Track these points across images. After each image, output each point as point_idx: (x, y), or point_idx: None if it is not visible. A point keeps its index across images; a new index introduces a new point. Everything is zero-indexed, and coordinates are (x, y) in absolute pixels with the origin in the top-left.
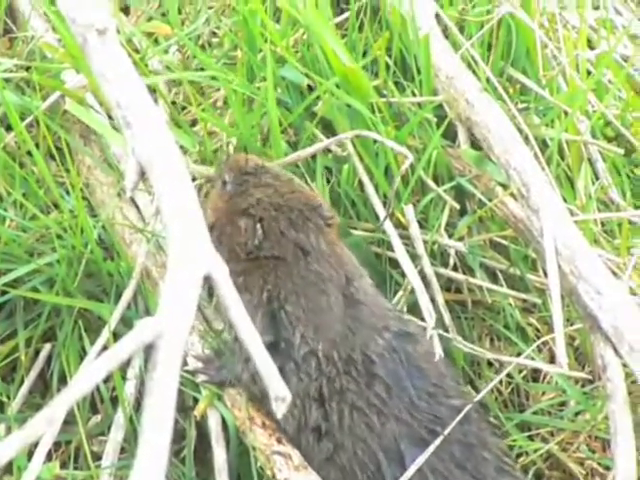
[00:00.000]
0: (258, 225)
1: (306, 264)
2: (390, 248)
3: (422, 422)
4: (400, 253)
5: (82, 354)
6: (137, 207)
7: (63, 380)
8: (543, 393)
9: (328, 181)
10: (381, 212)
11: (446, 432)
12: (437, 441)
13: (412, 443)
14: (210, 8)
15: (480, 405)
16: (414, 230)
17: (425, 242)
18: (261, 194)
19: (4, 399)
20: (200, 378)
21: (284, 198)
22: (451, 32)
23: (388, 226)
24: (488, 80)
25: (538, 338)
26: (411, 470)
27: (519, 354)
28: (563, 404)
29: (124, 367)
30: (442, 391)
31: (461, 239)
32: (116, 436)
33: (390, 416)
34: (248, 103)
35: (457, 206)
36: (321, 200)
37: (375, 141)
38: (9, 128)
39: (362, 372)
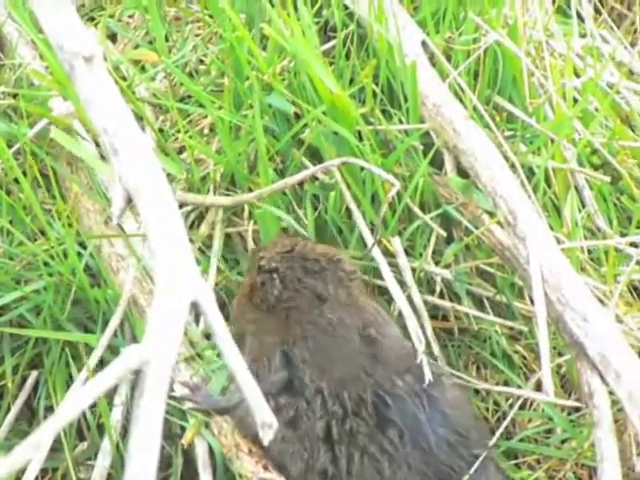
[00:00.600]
0: (275, 275)
1: (320, 311)
2: (377, 276)
3: (437, 473)
4: (390, 281)
5: (69, 382)
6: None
7: (50, 407)
8: (529, 420)
9: (315, 208)
10: (369, 239)
11: None
12: None
13: None
14: (197, 36)
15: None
16: (402, 261)
17: (412, 270)
18: (272, 253)
19: None
20: (188, 405)
21: (298, 251)
22: (438, 60)
23: (376, 253)
24: (475, 108)
25: (525, 366)
26: None
27: (506, 382)
28: (550, 431)
29: (111, 394)
30: (465, 442)
31: (448, 266)
32: (103, 463)
33: (403, 464)
34: (235, 131)
35: (444, 234)
36: (342, 255)
37: (362, 169)
38: None
39: (372, 414)
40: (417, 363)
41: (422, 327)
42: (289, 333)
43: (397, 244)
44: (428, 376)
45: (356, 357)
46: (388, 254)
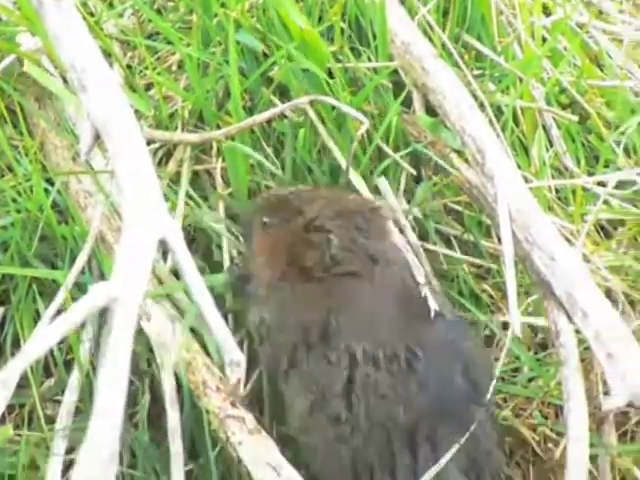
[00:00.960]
0: (332, 235)
1: (372, 277)
2: None
3: (445, 423)
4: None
5: (36, 318)
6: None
7: (17, 344)
8: (496, 359)
9: (284, 147)
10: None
11: (453, 451)
12: (450, 452)
13: (429, 440)
14: None
15: None
16: (392, 202)
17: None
18: (318, 207)
19: None
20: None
21: (342, 205)
22: None
23: (355, 179)
24: (444, 46)
25: (492, 304)
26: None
27: (473, 320)
28: (516, 370)
29: (79, 330)
30: (478, 397)
31: (417, 205)
32: (70, 399)
33: (416, 412)
34: (203, 68)
35: (414, 172)
36: (377, 202)
37: (333, 107)
38: None
39: (404, 368)
40: (444, 312)
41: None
42: (335, 301)
43: (384, 184)
44: (433, 306)
45: (395, 317)
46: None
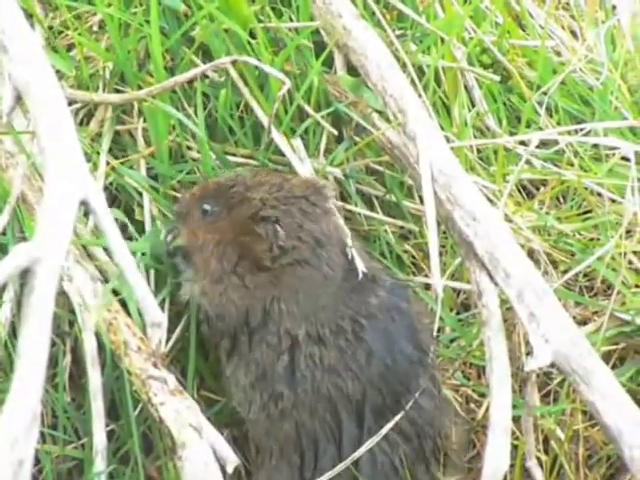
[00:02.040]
0: (278, 226)
1: (319, 262)
2: None
3: (392, 390)
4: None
5: None
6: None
7: None
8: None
9: (205, 107)
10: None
11: (397, 419)
12: (395, 419)
13: (375, 409)
14: None
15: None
16: (306, 164)
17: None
18: (261, 194)
19: None
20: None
21: (285, 189)
22: None
23: (277, 137)
24: (365, 6)
25: (414, 265)
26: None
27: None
28: (439, 330)
29: (0, 292)
30: (424, 360)
31: (339, 166)
32: None
33: (364, 381)
34: (125, 28)
35: (335, 132)
36: (320, 180)
37: (255, 67)
38: None
39: (351, 340)
40: (386, 276)
41: None
42: (281, 287)
43: (299, 144)
44: (361, 268)
45: (338, 294)
46: (280, 154)
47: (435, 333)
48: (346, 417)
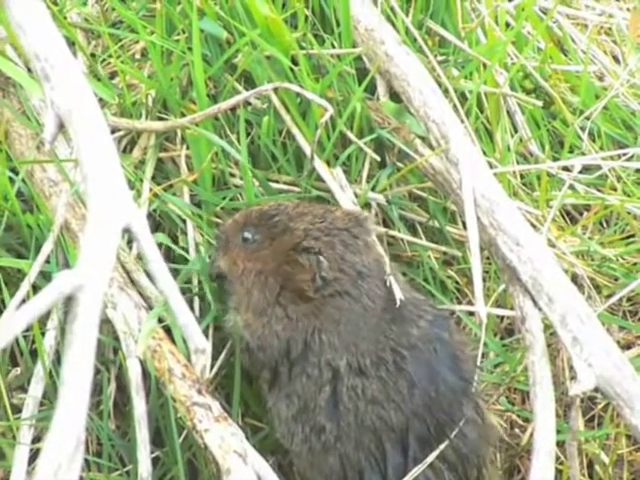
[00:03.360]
0: (321, 257)
1: (359, 294)
2: (311, 202)
3: (435, 420)
4: (335, 188)
5: (2, 307)
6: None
7: None
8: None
9: (248, 134)
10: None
11: (441, 447)
12: (440, 448)
13: (419, 439)
14: None
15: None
16: (348, 192)
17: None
18: (304, 224)
19: None
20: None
21: (328, 221)
22: None
23: (319, 167)
24: (407, 32)
25: (458, 290)
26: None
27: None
28: (483, 356)
29: (44, 320)
30: (467, 389)
31: (381, 192)
32: (36, 388)
33: (407, 412)
34: (167, 56)
35: (378, 158)
36: (362, 212)
37: (297, 94)
38: None
39: (392, 370)
40: (428, 307)
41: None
42: (322, 318)
43: (339, 172)
44: (399, 296)
45: (379, 325)
46: (322, 181)
47: (479, 359)
48: (390, 448)
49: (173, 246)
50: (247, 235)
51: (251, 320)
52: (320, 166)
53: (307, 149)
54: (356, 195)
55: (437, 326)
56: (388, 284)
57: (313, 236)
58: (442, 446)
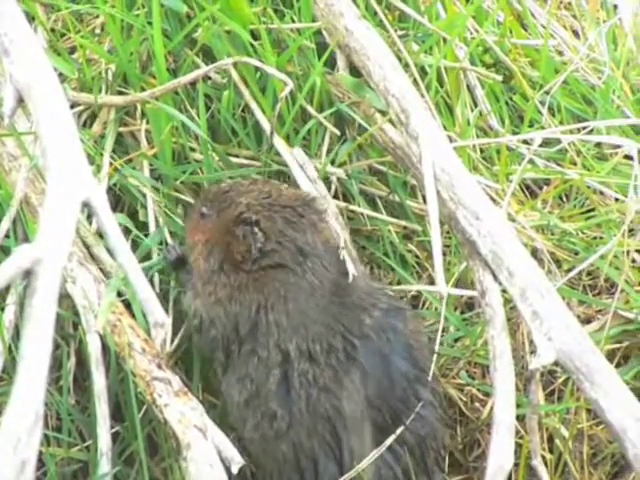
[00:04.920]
0: (256, 229)
1: (302, 270)
2: (270, 176)
3: (390, 408)
4: (302, 182)
5: None
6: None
7: None
8: (423, 319)
9: (208, 109)
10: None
11: (398, 432)
12: (395, 434)
13: (376, 426)
14: None
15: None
16: (309, 170)
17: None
18: (248, 199)
19: None
20: (168, 253)
21: (273, 197)
22: None
23: (278, 142)
24: (367, 7)
25: (418, 265)
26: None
27: (399, 281)
28: (443, 330)
29: (3, 295)
30: (422, 377)
31: (341, 166)
32: None
33: (361, 401)
34: (127, 30)
35: (338, 132)
36: (312, 194)
37: (257, 68)
38: None
39: (342, 359)
40: (383, 296)
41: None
42: (265, 297)
43: (299, 152)
44: (352, 271)
45: (328, 309)
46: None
47: (439, 333)
48: (346, 435)
49: (133, 229)
50: (204, 210)
51: (199, 289)
52: (280, 144)
53: (266, 124)
54: (316, 169)
55: (391, 316)
56: (341, 258)
57: (254, 210)
58: (399, 430)
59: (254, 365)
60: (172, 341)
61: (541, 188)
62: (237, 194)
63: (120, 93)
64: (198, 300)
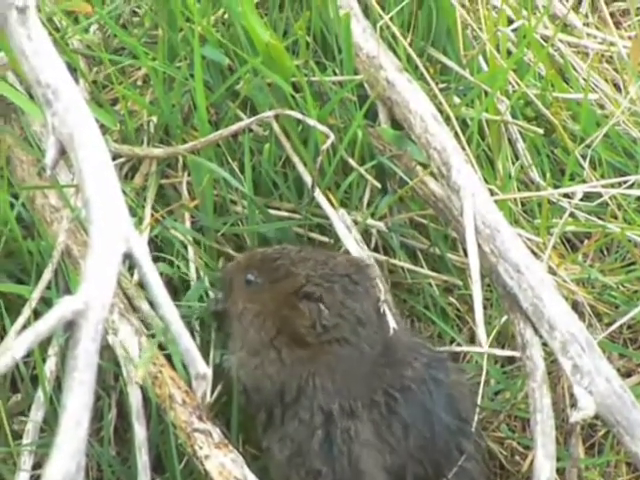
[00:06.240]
0: (322, 305)
1: (357, 340)
2: (311, 229)
3: (433, 460)
4: (343, 234)
5: (2, 334)
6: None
7: None
8: (463, 371)
9: (249, 161)
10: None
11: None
12: None
13: (416, 478)
14: None
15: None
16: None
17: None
18: (307, 270)
19: None
20: (211, 305)
21: (330, 266)
22: (372, 11)
23: (322, 201)
24: (409, 59)
25: (459, 318)
26: None
27: (439, 334)
28: (485, 384)
29: (45, 346)
30: (465, 428)
31: (382, 219)
32: (36, 414)
33: (403, 454)
34: (169, 82)
35: (378, 185)
36: (365, 260)
37: (298, 121)
38: None
39: (384, 413)
40: (425, 349)
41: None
42: (318, 364)
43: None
44: (393, 325)
45: (373, 370)
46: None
47: (481, 386)
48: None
49: (174, 277)
50: (250, 277)
51: (245, 360)
52: (323, 202)
53: (307, 177)
54: (356, 222)
55: (432, 367)
56: (381, 311)
57: (314, 282)
58: None
59: (296, 427)
60: (212, 392)
61: (582, 241)
62: (291, 263)
63: (162, 145)
64: (242, 370)
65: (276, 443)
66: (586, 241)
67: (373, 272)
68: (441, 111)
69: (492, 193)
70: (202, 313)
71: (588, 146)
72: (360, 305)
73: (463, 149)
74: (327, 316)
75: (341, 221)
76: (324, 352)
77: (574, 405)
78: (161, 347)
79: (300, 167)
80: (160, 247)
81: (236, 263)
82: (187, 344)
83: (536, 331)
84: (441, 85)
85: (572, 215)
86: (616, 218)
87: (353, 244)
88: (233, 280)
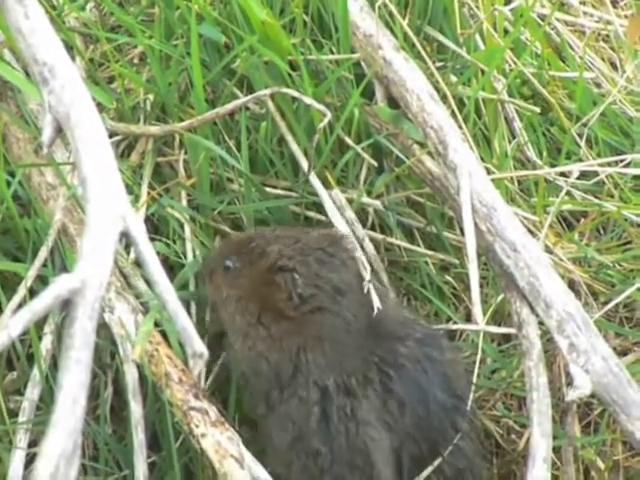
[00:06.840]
0: (295, 275)
1: (339, 308)
2: (308, 208)
3: (428, 439)
4: (333, 213)
5: None
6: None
7: None
8: (459, 349)
9: (246, 139)
10: (304, 167)
11: (435, 464)
12: (434, 463)
13: (413, 459)
14: None
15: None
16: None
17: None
18: (279, 246)
19: None
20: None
21: (302, 242)
22: None
23: (316, 184)
24: (405, 38)
25: (455, 296)
26: None
27: (436, 313)
28: (480, 362)
29: (41, 324)
30: (460, 406)
31: (379, 197)
32: (32, 392)
33: (399, 432)
34: (166, 60)
35: (375, 164)
36: (339, 232)
37: (294, 99)
38: None
39: (379, 391)
40: (418, 325)
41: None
42: (303, 339)
43: (338, 194)
44: (376, 303)
45: (364, 342)
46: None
47: (477, 365)
48: (384, 467)
49: (171, 256)
50: (228, 263)
51: (239, 345)
52: (315, 182)
53: (302, 156)
54: (351, 201)
55: (426, 344)
56: (365, 291)
57: (288, 256)
58: (437, 461)
59: (295, 405)
60: (209, 371)
61: (578, 220)
62: (265, 243)
63: (158, 123)
64: (239, 356)
65: (276, 428)
66: (582, 220)
67: (348, 244)
68: (438, 90)
69: (489, 172)
70: (197, 293)
71: (584, 125)
72: (337, 275)
73: (460, 128)
74: (302, 285)
75: (333, 201)
76: (308, 323)
77: (570, 384)
78: (157, 326)
79: (293, 146)
80: (156, 226)
81: (213, 253)
82: (184, 322)
83: (532, 310)
84: (438, 64)
85: (568, 194)
86: (612, 197)
87: (343, 224)
88: (214, 270)
